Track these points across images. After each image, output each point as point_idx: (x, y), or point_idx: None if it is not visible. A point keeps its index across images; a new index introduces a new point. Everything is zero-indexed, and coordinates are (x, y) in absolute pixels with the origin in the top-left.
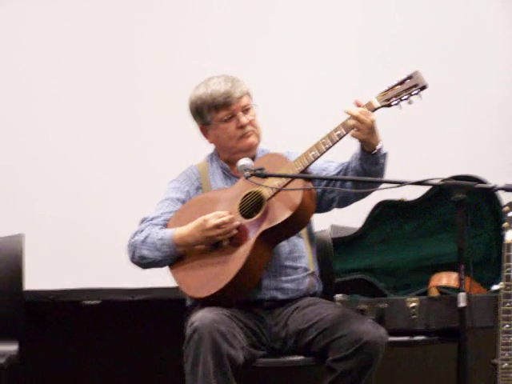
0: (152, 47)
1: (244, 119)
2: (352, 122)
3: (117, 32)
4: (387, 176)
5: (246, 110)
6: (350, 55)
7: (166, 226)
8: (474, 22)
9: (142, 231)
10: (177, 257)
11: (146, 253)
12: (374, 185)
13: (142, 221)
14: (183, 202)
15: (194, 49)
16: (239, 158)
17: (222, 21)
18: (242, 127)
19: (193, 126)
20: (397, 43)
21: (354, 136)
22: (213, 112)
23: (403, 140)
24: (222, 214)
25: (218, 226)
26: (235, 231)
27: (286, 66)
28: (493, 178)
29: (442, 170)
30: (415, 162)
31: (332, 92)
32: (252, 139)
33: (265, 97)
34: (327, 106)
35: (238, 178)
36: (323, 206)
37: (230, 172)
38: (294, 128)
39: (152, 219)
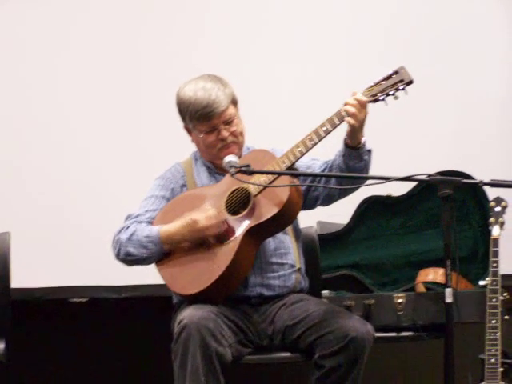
0: (146, 45)
1: (225, 133)
2: (349, 108)
3: (112, 32)
4: (373, 172)
5: (228, 123)
6: (341, 52)
7: (151, 223)
8: (470, 18)
9: (127, 228)
10: (162, 254)
11: (131, 250)
12: (360, 181)
13: (127, 218)
14: (168, 199)
15: (186, 46)
16: (219, 163)
17: (212, 19)
18: (223, 139)
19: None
20: (388, 39)
21: (348, 121)
22: (194, 122)
23: (391, 136)
24: (211, 215)
25: (207, 228)
26: (223, 228)
27: (272, 63)
28: (479, 174)
29: (430, 166)
30: (402, 157)
31: (318, 88)
32: (232, 150)
33: (251, 93)
34: (313, 102)
35: (223, 175)
36: (308, 203)
37: (214, 170)
38: (280, 124)
39: (137, 216)
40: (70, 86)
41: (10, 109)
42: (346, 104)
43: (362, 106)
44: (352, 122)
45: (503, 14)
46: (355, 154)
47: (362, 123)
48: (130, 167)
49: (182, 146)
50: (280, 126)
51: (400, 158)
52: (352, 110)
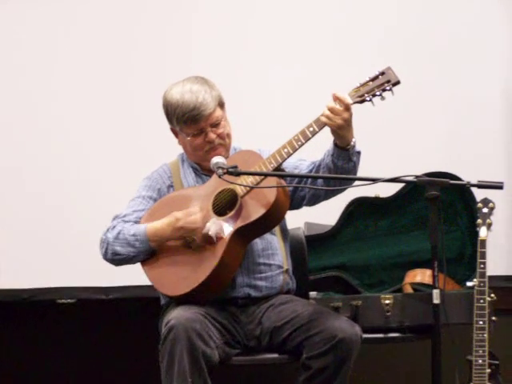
0: (139, 46)
1: (212, 135)
2: (327, 112)
3: (108, 33)
4: (361, 173)
5: (215, 125)
6: (331, 53)
7: (138, 223)
8: (468, 18)
9: (113, 227)
10: (149, 252)
11: (118, 249)
12: (347, 182)
13: (114, 218)
14: (155, 200)
15: (177, 47)
16: (206, 165)
17: (205, 20)
18: (210, 142)
19: None
20: (380, 40)
21: (328, 125)
22: (181, 124)
23: (379, 137)
24: (193, 211)
25: (190, 230)
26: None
27: (261, 64)
28: (470, 176)
29: (419, 168)
30: (391, 159)
31: (306, 89)
32: (219, 152)
33: (239, 94)
34: (301, 103)
35: (209, 176)
36: (294, 203)
37: (201, 171)
38: (268, 125)
39: (124, 216)
40: (69, 86)
41: (9, 108)
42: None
43: (345, 106)
44: (326, 121)
45: (503, 13)
46: (344, 154)
47: (342, 125)
48: (120, 168)
49: (176, 147)
50: (267, 126)
51: (388, 159)
52: (325, 112)
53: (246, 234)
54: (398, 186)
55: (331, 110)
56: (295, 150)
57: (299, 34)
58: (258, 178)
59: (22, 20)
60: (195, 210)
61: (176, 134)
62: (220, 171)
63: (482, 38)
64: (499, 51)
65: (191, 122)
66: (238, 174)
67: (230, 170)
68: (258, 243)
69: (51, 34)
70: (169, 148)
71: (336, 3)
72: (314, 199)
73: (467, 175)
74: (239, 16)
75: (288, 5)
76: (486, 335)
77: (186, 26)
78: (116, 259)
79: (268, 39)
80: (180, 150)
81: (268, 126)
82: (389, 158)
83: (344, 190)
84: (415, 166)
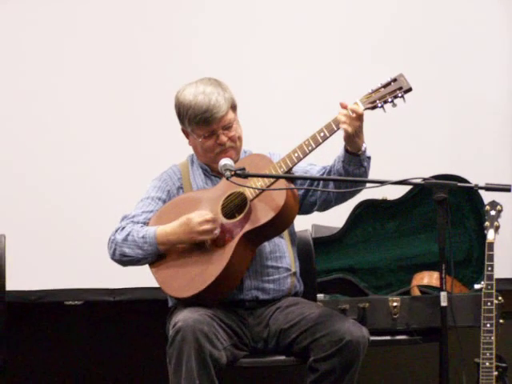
0: (143, 47)
1: (223, 138)
2: (343, 118)
3: (110, 33)
4: (369, 176)
5: (227, 127)
6: (339, 56)
7: (146, 224)
8: (468, 20)
9: (123, 229)
10: (158, 255)
11: (127, 251)
12: (356, 185)
13: (123, 218)
14: (164, 201)
15: (182, 48)
16: (216, 167)
17: (209, 21)
18: (221, 144)
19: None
20: (384, 41)
21: (344, 130)
22: (193, 126)
23: (387, 139)
24: (205, 212)
25: (200, 224)
26: (217, 232)
27: (270, 66)
28: (475, 178)
29: (426, 170)
30: (398, 161)
31: (317, 92)
32: (230, 154)
33: (249, 96)
34: (312, 107)
35: (218, 177)
36: (304, 208)
37: (210, 172)
38: (278, 129)
39: (133, 217)
40: (69, 86)
41: (10, 108)
42: (340, 112)
43: (357, 115)
44: (344, 127)
45: (503, 14)
46: (355, 160)
47: (356, 131)
48: (128, 169)
49: (183, 148)
50: (278, 130)
51: (396, 161)
52: (342, 118)
53: (255, 238)
54: (406, 189)
55: (345, 116)
56: (306, 155)
57: (308, 35)
58: (267, 181)
59: (22, 20)
60: (205, 211)
61: (187, 134)
62: (228, 173)
63: (484, 38)
64: (501, 52)
65: (203, 124)
66: (246, 176)
67: (238, 172)
68: (266, 246)
69: (52, 34)
70: (175, 149)
71: (336, 3)
72: (326, 205)
73: (473, 177)
74: (243, 18)
75: (289, 5)
76: (493, 338)
77: (189, 27)
78: (124, 260)
79: (271, 41)
80: (186, 151)
81: (279, 129)
82: (394, 161)
83: (354, 194)
84: (421, 169)
